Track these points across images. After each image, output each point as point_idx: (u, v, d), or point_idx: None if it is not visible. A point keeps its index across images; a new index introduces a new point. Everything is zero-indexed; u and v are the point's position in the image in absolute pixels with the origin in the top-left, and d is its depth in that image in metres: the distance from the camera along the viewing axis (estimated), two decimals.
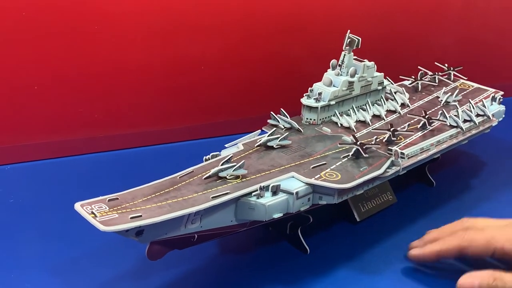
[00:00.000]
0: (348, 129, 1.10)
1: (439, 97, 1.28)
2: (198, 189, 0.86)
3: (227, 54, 1.37)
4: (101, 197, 0.81)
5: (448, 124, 1.14)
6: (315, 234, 1.05)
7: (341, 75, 1.13)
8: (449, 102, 1.25)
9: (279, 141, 1.01)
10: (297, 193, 0.89)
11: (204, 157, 0.97)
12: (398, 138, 1.06)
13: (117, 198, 0.81)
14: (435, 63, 1.41)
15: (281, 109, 1.10)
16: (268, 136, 1.02)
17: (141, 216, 0.77)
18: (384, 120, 1.15)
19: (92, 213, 0.76)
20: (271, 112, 1.10)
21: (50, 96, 1.27)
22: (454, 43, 1.61)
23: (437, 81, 1.36)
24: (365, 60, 1.16)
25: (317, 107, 1.10)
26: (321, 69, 1.16)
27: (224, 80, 1.40)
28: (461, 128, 1.12)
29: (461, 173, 1.29)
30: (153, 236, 0.81)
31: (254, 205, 0.87)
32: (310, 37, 1.44)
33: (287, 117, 1.09)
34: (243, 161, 0.92)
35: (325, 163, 0.96)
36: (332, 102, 1.11)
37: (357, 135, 1.07)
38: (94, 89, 1.29)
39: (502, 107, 1.27)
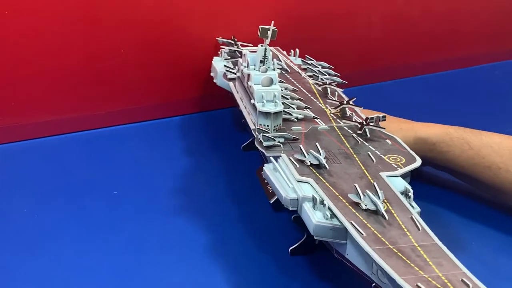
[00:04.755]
0: (303, 120, 1.06)
1: None
2: (400, 232, 0.74)
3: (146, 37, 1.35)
4: None
5: (328, 83, 1.22)
6: None
7: (267, 70, 1.04)
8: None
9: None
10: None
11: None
12: None
13: None
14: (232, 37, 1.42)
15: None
16: (303, 158, 0.90)
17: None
18: (302, 99, 1.14)
19: None
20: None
21: None
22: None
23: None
24: None
25: (281, 111, 1.00)
26: None
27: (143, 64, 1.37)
28: (343, 82, 1.24)
29: None
30: None
31: None
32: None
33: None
34: (374, 182, 0.82)
35: (369, 153, 0.95)
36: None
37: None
38: (9, 77, 1.25)
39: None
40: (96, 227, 1.02)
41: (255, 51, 1.07)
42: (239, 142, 1.30)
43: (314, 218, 0.78)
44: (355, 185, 0.81)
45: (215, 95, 1.40)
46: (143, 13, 1.33)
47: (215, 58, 1.37)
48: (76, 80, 1.31)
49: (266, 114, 0.99)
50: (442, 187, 1.16)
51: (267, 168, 0.91)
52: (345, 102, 1.09)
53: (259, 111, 0.99)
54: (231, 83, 1.21)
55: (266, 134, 0.95)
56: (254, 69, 1.05)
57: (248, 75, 1.05)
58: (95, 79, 1.33)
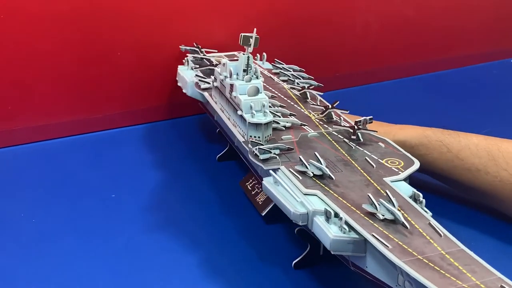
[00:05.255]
0: (291, 128, 1.02)
1: None
2: (424, 241, 0.73)
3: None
4: None
5: (307, 87, 1.20)
6: None
7: (251, 79, 1.01)
8: None
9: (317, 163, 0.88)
10: None
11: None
12: None
13: None
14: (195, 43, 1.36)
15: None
16: (304, 169, 0.87)
17: None
18: (284, 106, 1.10)
19: None
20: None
21: None
22: None
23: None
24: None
25: (271, 121, 0.97)
26: None
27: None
28: (319, 85, 1.21)
29: None
30: None
31: None
32: None
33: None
34: (386, 191, 0.80)
35: (366, 158, 0.93)
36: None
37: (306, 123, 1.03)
38: (6, 82, 1.25)
39: None
40: (91, 231, 1.01)
41: (235, 60, 1.03)
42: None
43: (330, 232, 0.75)
44: (368, 195, 0.78)
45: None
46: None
47: (180, 67, 1.32)
48: (71, 84, 1.31)
49: (257, 125, 0.95)
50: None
51: (266, 182, 0.88)
52: (330, 106, 1.07)
53: (249, 122, 0.95)
54: (206, 93, 1.16)
55: (262, 147, 0.91)
56: (238, 78, 1.00)
57: (231, 85, 1.00)
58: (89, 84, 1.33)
